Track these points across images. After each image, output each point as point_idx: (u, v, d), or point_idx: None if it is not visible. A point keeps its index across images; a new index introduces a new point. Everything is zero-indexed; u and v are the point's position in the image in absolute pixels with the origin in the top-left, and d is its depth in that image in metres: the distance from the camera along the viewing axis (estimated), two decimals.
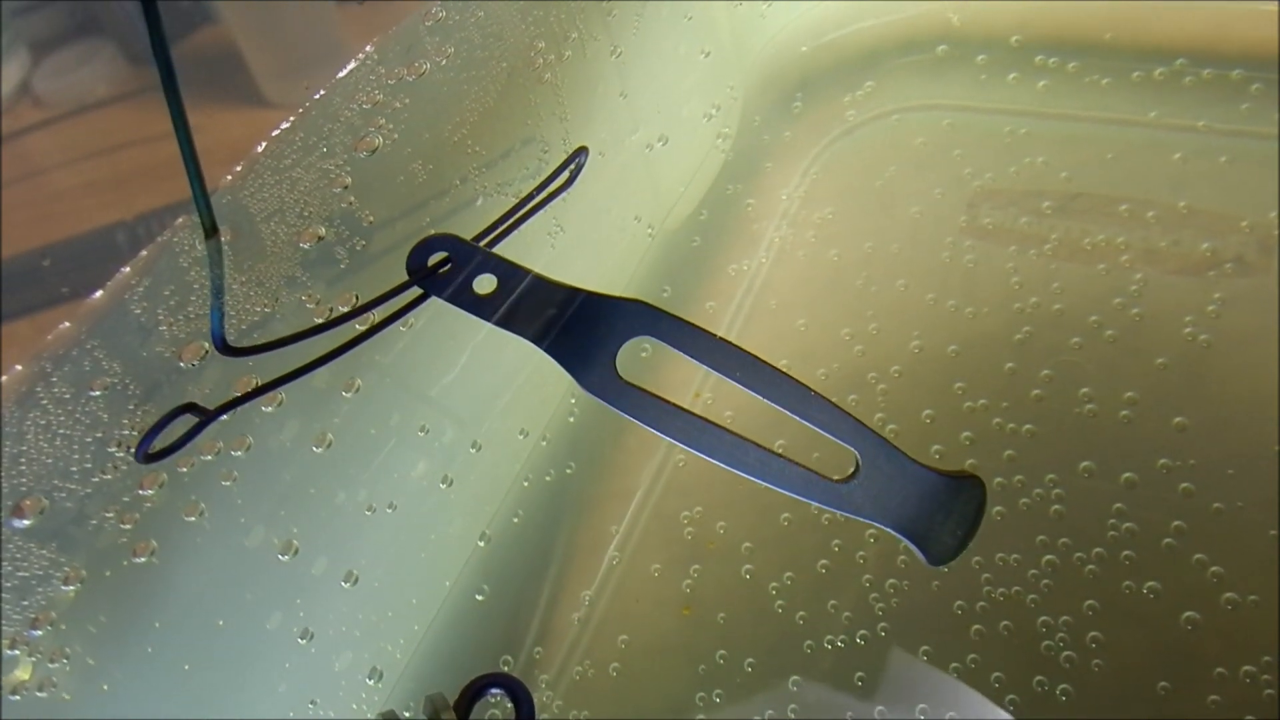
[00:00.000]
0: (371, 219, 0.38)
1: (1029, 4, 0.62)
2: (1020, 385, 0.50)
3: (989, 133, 0.61)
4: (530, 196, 0.39)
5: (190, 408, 0.30)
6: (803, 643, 0.44)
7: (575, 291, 0.32)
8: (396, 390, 0.41)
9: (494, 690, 0.33)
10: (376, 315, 0.34)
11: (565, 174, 0.40)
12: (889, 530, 0.30)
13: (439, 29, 0.40)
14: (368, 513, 0.40)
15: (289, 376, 0.33)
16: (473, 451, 0.46)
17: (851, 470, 0.31)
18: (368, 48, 0.38)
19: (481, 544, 0.47)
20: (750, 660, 0.44)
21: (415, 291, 0.33)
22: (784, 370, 0.31)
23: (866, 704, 0.42)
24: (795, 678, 0.43)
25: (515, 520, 0.49)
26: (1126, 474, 0.46)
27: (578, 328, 0.32)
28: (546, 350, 0.32)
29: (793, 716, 0.42)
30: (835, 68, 0.64)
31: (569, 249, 0.46)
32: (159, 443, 0.30)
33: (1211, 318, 0.51)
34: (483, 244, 0.34)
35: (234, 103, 0.40)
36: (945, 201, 0.59)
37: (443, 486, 0.44)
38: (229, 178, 0.34)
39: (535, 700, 0.34)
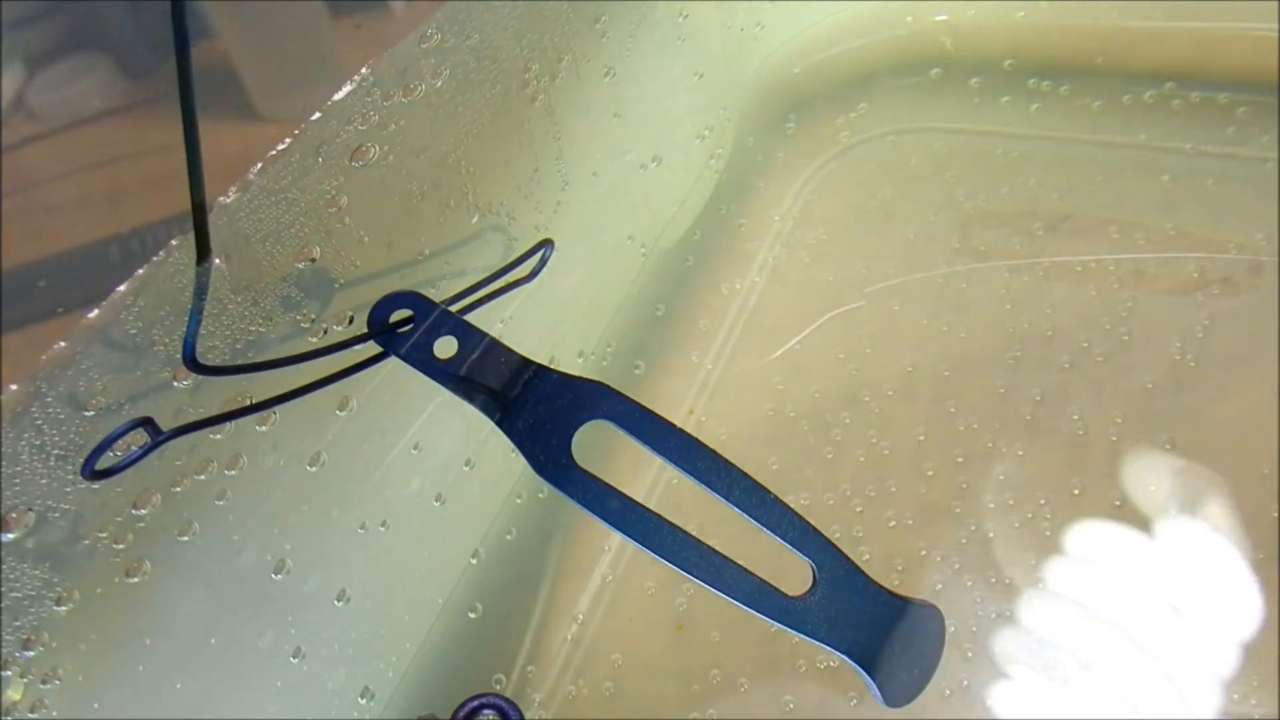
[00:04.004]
0: (366, 239, 0.39)
1: (1022, 28, 0.62)
2: (1011, 406, 0.51)
3: (982, 155, 0.62)
4: (495, 277, 0.38)
5: (145, 422, 0.29)
6: (796, 662, 0.44)
7: (537, 367, 0.31)
8: (389, 408, 0.41)
9: (486, 711, 0.33)
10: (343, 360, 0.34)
11: (530, 263, 0.40)
12: (843, 659, 0.29)
13: (434, 51, 0.40)
14: (360, 531, 0.40)
15: (244, 411, 0.32)
16: (465, 469, 0.46)
17: (809, 585, 0.29)
18: (364, 69, 0.38)
19: (474, 562, 0.47)
20: (743, 680, 0.44)
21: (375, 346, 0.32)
22: (744, 471, 0.30)
23: None
24: (788, 697, 0.43)
25: (508, 538, 0.49)
26: (1115, 494, 0.47)
27: (535, 405, 0.30)
28: (498, 425, 0.30)
29: None
30: (828, 89, 0.65)
31: (563, 267, 0.46)
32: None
33: (1199, 339, 0.51)
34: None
35: (228, 119, 0.40)
36: (939, 223, 0.59)
37: (435, 504, 0.44)
38: (223, 199, 0.34)
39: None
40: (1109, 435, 0.49)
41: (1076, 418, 0.50)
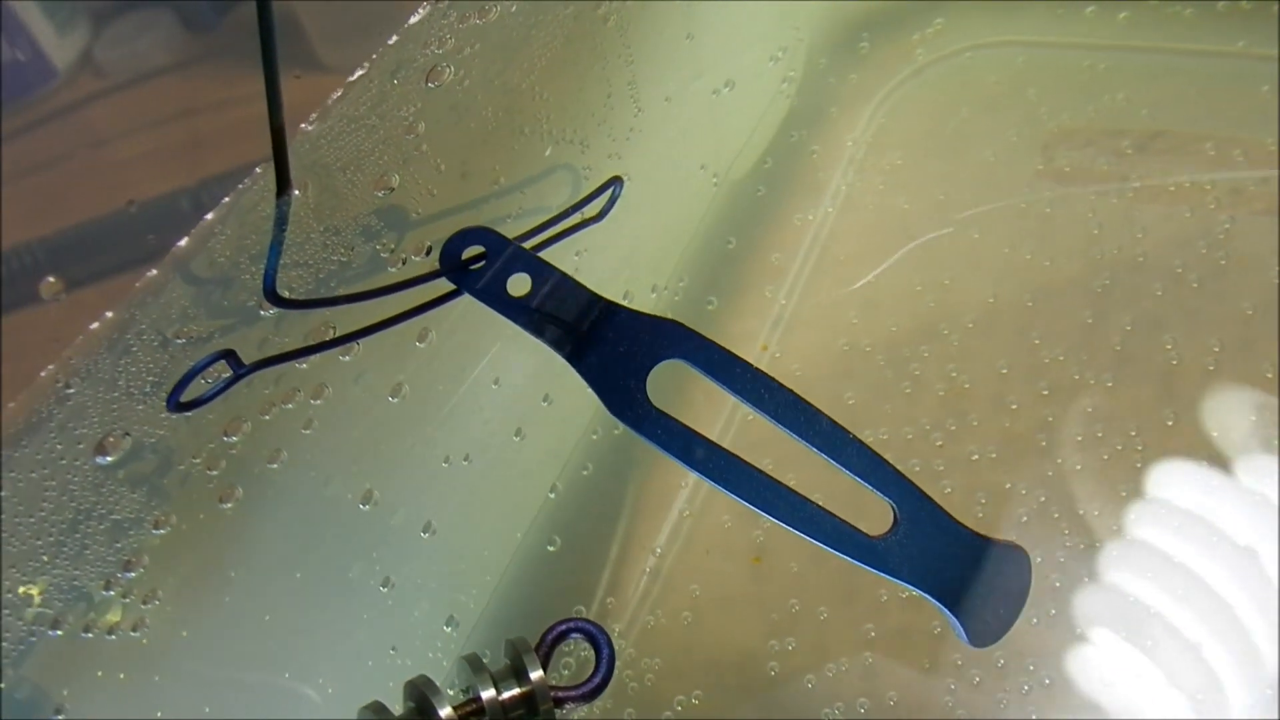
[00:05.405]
0: (443, 167, 0.38)
1: None
2: (1100, 336, 0.49)
3: (1066, 69, 0.59)
4: (565, 215, 0.38)
5: (227, 355, 0.29)
6: (877, 592, 0.44)
7: (611, 305, 0.30)
8: (468, 342, 0.41)
9: (574, 634, 0.33)
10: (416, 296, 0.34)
11: (600, 201, 0.39)
12: (926, 598, 0.28)
13: None
14: (444, 464, 0.41)
15: (321, 346, 0.32)
16: (544, 404, 0.46)
17: (889, 525, 0.29)
18: None
19: (552, 496, 0.47)
20: (823, 609, 0.44)
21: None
22: (823, 411, 0.29)
23: (943, 652, 0.42)
24: (869, 625, 0.43)
25: (585, 473, 0.49)
26: (1211, 426, 0.45)
27: (609, 343, 0.30)
28: (574, 365, 0.30)
29: (869, 663, 0.42)
30: (903, 5, 0.62)
31: (635, 198, 0.45)
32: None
33: None
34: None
35: (292, 69, 0.40)
36: (1020, 145, 0.57)
37: (515, 439, 0.44)
38: (305, 126, 0.34)
39: None
40: (1205, 365, 0.47)
41: (1170, 347, 0.48)
